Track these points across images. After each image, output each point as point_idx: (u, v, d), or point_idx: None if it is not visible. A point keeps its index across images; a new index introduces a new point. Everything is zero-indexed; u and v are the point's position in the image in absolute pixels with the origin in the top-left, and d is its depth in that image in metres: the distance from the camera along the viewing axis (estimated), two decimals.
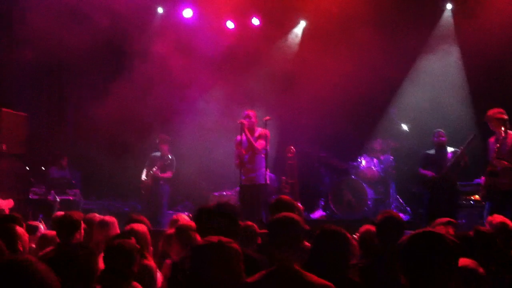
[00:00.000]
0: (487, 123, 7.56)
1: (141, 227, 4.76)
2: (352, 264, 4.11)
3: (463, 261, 3.25)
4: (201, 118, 11.35)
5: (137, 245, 3.79)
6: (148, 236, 4.75)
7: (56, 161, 10.59)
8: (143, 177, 9.85)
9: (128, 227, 4.76)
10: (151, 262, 4.55)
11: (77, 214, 5.24)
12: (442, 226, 4.58)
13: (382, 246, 4.07)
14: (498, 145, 7.33)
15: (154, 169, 9.64)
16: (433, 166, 8.42)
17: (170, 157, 9.85)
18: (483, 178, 7.64)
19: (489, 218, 5.01)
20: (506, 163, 7.24)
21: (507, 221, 4.84)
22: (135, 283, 3.63)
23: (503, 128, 7.29)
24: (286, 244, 3.12)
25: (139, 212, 8.58)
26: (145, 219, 5.26)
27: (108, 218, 5.37)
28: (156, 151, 9.97)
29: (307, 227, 3.38)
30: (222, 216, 3.99)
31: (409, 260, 2.56)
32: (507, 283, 3.86)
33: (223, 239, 2.68)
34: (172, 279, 3.98)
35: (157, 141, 9.92)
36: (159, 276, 4.54)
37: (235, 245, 2.67)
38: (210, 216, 4.06)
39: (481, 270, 3.24)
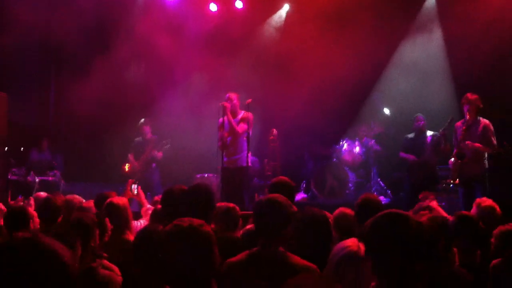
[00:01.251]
0: (461, 106, 7.64)
1: (121, 201, 4.77)
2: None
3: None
4: (184, 100, 11.30)
5: (95, 219, 3.80)
6: (129, 211, 4.76)
7: (36, 143, 10.51)
8: (128, 164, 9.75)
9: (107, 202, 4.76)
10: (131, 236, 4.56)
11: (59, 198, 5.25)
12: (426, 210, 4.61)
13: (359, 228, 4.09)
14: (464, 127, 7.46)
15: (150, 152, 9.58)
16: (413, 150, 8.49)
17: (155, 138, 9.82)
18: (450, 161, 7.75)
19: (478, 200, 5.03)
20: (477, 145, 7.35)
21: (495, 205, 4.88)
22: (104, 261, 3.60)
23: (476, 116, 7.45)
24: (271, 227, 3.11)
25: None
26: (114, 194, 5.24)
27: (86, 203, 5.37)
28: (138, 137, 9.88)
29: (295, 208, 3.37)
30: (194, 197, 3.96)
31: (372, 241, 2.47)
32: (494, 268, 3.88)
33: (194, 221, 2.57)
34: None
35: (138, 126, 9.82)
36: None
37: (207, 228, 2.58)
38: (181, 198, 4.03)
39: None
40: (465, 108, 7.51)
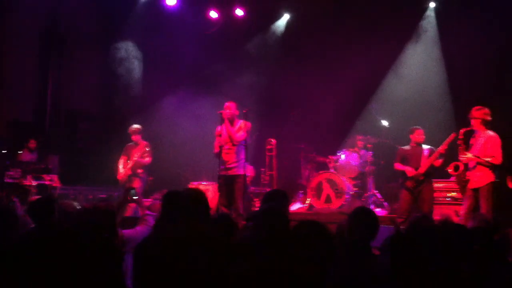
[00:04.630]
0: (468, 119, 7.62)
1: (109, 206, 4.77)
2: None
3: None
4: (182, 107, 11.31)
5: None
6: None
7: (24, 144, 10.48)
8: (120, 167, 9.65)
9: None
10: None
11: (52, 198, 5.22)
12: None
13: (350, 239, 4.07)
14: (460, 141, 7.49)
15: (134, 158, 9.43)
16: (409, 162, 8.48)
17: (145, 144, 9.60)
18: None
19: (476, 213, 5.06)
20: (472, 157, 7.35)
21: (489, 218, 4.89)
22: None
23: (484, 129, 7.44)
24: (270, 236, 3.11)
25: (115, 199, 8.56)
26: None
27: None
28: (131, 142, 9.78)
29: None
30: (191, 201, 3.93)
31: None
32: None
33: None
34: None
35: (129, 131, 9.71)
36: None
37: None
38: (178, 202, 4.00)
39: None
40: (471, 122, 7.53)
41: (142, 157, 9.37)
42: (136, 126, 9.67)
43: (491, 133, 7.43)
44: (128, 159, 9.55)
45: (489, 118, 7.45)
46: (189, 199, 3.85)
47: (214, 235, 2.76)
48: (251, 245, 3.25)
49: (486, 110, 7.50)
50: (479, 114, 7.47)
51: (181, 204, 3.86)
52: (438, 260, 2.88)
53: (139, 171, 9.51)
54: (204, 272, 2.45)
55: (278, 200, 4.24)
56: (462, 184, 7.52)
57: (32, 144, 10.55)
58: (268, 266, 3.02)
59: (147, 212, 5.54)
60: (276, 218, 3.18)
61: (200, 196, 3.95)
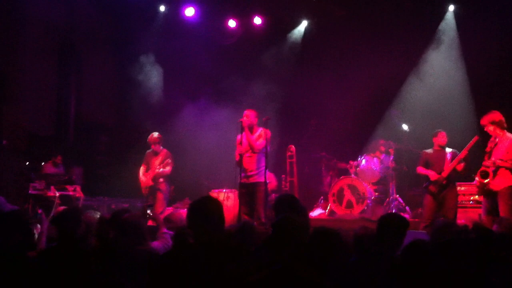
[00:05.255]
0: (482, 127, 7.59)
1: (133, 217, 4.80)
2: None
3: None
4: (201, 116, 11.38)
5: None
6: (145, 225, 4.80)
7: (50, 158, 10.61)
8: (141, 175, 9.70)
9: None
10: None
11: (77, 209, 5.28)
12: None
13: (380, 245, 4.06)
14: (487, 148, 7.43)
15: (156, 169, 9.41)
16: (432, 166, 8.41)
17: (165, 152, 9.58)
18: (476, 181, 7.67)
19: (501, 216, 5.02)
20: (497, 161, 7.27)
21: None
22: None
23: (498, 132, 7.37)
24: (291, 245, 3.12)
25: (139, 209, 8.62)
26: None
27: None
28: (149, 149, 9.79)
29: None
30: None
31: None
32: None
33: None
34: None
35: (148, 141, 9.62)
36: None
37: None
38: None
39: None
40: (487, 129, 7.48)
41: (163, 166, 9.39)
42: (156, 134, 9.67)
43: (510, 135, 7.39)
44: (148, 167, 9.56)
45: (503, 122, 7.42)
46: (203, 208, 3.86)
47: (235, 244, 2.77)
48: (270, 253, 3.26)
49: (497, 113, 7.46)
50: (493, 119, 7.43)
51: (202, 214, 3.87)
52: (465, 266, 2.87)
53: (160, 180, 9.50)
54: (227, 281, 2.47)
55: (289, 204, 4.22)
56: (483, 187, 7.44)
57: (59, 159, 10.66)
58: (285, 274, 3.04)
59: (165, 230, 5.53)
60: (293, 226, 3.19)
61: (210, 205, 3.95)
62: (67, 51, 11.77)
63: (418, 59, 11.10)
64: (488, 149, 7.45)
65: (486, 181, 7.33)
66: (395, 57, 10.57)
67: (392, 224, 4.11)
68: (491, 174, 7.34)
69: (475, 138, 7.83)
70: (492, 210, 7.26)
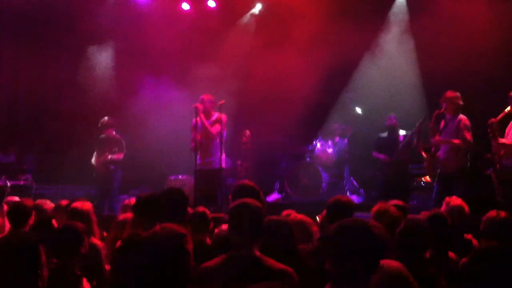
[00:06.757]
0: (439, 104, 7.71)
1: (85, 206, 4.76)
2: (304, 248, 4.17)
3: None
4: (157, 100, 11.25)
5: (83, 225, 3.77)
6: (92, 215, 4.76)
7: (2, 147, 10.32)
8: (93, 161, 9.49)
9: (71, 207, 4.77)
10: (96, 241, 4.62)
11: (28, 202, 5.20)
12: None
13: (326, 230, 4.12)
14: (432, 124, 7.59)
15: (106, 155, 9.19)
16: (386, 149, 8.59)
17: (117, 138, 9.38)
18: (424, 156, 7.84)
19: (447, 198, 5.10)
20: (443, 139, 7.44)
21: (464, 204, 4.96)
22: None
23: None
24: (248, 230, 3.12)
25: (93, 198, 8.48)
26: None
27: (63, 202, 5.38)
28: (102, 134, 9.59)
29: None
30: (169, 202, 3.92)
31: (335, 248, 2.57)
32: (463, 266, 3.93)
33: (170, 228, 2.53)
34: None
35: (99, 126, 9.43)
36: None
37: (183, 234, 2.55)
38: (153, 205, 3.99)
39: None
40: (443, 106, 7.61)
41: (112, 152, 9.18)
42: (107, 119, 9.46)
43: (462, 116, 7.55)
44: (101, 153, 9.37)
45: (460, 102, 7.57)
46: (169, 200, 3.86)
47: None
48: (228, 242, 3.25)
49: (457, 94, 7.61)
50: (452, 98, 7.57)
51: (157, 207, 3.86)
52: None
53: (111, 167, 9.32)
54: (178, 272, 2.44)
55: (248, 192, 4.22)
56: (432, 168, 7.59)
57: (10, 148, 10.37)
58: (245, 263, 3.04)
59: None
60: (253, 212, 3.18)
61: (179, 195, 3.95)
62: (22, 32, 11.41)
63: (372, 43, 11.21)
64: (432, 128, 7.60)
65: (427, 155, 7.50)
66: (350, 40, 10.63)
67: (338, 208, 4.19)
68: (432, 149, 7.51)
69: (421, 118, 7.99)
70: (443, 191, 7.41)
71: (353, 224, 2.62)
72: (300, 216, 4.75)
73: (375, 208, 4.47)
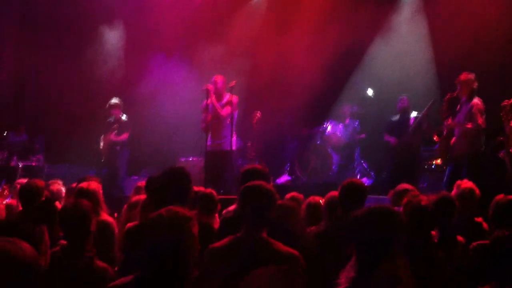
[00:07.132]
0: (455, 85, 7.60)
1: (91, 185, 4.77)
2: (312, 230, 4.17)
3: None
4: (168, 82, 11.23)
5: (89, 204, 3.76)
6: (100, 195, 4.77)
7: (13, 127, 10.37)
8: (101, 144, 9.54)
9: (78, 187, 4.79)
10: (106, 217, 4.65)
11: (40, 182, 5.22)
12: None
13: (344, 213, 4.11)
14: (445, 107, 7.49)
15: (110, 134, 9.21)
16: (397, 131, 8.53)
17: (123, 119, 9.39)
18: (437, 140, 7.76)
19: (458, 181, 5.07)
20: (455, 122, 7.36)
21: (475, 188, 4.93)
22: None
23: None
24: (257, 213, 3.11)
25: (103, 178, 8.52)
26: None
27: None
28: (110, 117, 9.60)
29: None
30: (172, 183, 3.90)
31: (362, 234, 2.67)
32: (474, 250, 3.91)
33: (176, 210, 2.53)
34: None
35: (107, 107, 9.44)
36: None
37: (188, 215, 2.55)
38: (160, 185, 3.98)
39: None
40: (458, 88, 7.50)
41: (116, 134, 9.18)
42: (114, 100, 9.44)
43: (476, 99, 7.44)
44: (107, 135, 9.37)
45: (475, 84, 7.45)
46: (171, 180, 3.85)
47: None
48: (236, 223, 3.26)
49: (472, 76, 7.49)
50: (466, 81, 7.45)
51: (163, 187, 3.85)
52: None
53: (117, 148, 9.32)
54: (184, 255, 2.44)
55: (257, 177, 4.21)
56: (445, 152, 7.54)
57: (22, 128, 10.42)
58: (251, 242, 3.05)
59: None
60: (264, 195, 3.17)
61: (181, 175, 3.93)
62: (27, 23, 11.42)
63: (384, 25, 11.06)
64: (444, 111, 7.52)
65: (440, 139, 7.43)
66: (361, 22, 10.51)
67: (351, 191, 4.16)
68: (444, 133, 7.44)
69: (432, 100, 7.91)
70: (455, 174, 7.35)
71: (383, 211, 2.73)
72: (310, 198, 4.76)
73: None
